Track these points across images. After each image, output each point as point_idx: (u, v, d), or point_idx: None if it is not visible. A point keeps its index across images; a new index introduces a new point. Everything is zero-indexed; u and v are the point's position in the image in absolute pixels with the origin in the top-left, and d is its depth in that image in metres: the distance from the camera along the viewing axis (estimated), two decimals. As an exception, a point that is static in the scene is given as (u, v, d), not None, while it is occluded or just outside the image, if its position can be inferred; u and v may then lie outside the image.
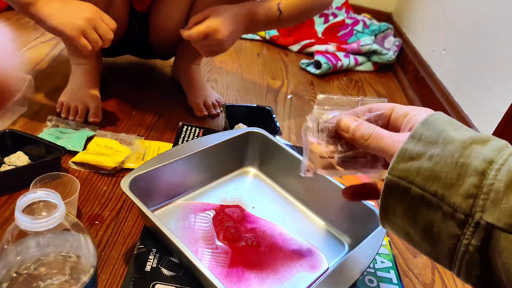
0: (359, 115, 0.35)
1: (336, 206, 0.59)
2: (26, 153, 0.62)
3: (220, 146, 0.63)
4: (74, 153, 0.67)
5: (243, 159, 0.69)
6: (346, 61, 1.28)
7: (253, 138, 0.67)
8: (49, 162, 0.60)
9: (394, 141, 0.31)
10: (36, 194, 0.32)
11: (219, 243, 0.54)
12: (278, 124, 0.80)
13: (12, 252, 0.31)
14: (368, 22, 1.50)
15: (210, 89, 0.92)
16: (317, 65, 1.23)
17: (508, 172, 0.25)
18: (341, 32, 1.47)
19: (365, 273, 0.57)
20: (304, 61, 1.26)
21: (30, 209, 0.32)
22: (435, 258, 0.29)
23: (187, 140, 0.77)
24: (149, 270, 0.50)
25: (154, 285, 0.48)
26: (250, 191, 0.65)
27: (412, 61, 1.31)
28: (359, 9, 1.68)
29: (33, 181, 0.51)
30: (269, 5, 0.72)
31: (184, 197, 0.61)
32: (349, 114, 0.36)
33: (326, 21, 1.51)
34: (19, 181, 0.58)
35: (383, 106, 0.35)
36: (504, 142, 0.28)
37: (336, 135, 0.36)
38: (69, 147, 0.67)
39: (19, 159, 0.61)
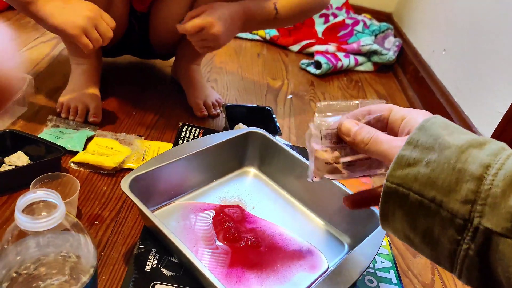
0: (360, 118, 0.36)
1: (336, 206, 0.59)
2: (26, 153, 0.62)
3: (220, 146, 0.63)
4: (74, 153, 0.67)
5: (243, 159, 0.69)
6: (346, 61, 1.28)
7: (253, 138, 0.67)
8: (49, 162, 0.60)
9: (393, 146, 0.31)
10: (36, 194, 0.32)
11: (219, 243, 0.54)
12: (278, 124, 0.80)
13: (12, 252, 0.31)
14: (368, 22, 1.50)
15: (210, 89, 0.92)
16: (317, 65, 1.23)
17: (505, 177, 0.25)
18: (341, 32, 1.47)
19: (365, 273, 0.57)
20: (304, 61, 1.26)
21: (30, 209, 0.32)
22: (436, 261, 0.29)
23: (187, 140, 0.77)
24: (149, 270, 0.50)
25: (154, 285, 0.49)
26: (250, 191, 0.65)
27: (412, 61, 1.31)
28: (359, 9, 1.68)
29: (33, 181, 0.51)
30: (266, 4, 0.72)
31: (184, 197, 0.61)
32: (350, 117, 0.36)
33: (326, 21, 1.51)
34: (19, 181, 0.58)
35: (382, 108, 0.35)
36: (501, 145, 0.27)
37: (339, 140, 0.36)
38: (69, 147, 0.67)
39: (19, 159, 0.61)
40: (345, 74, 1.28)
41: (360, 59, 1.33)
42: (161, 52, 0.93)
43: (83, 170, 0.65)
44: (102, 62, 0.86)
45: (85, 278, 0.34)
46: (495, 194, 0.25)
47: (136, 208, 0.57)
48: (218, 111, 0.88)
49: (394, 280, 0.57)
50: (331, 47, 1.33)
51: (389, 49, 1.38)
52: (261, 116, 0.83)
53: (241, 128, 0.71)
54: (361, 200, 0.40)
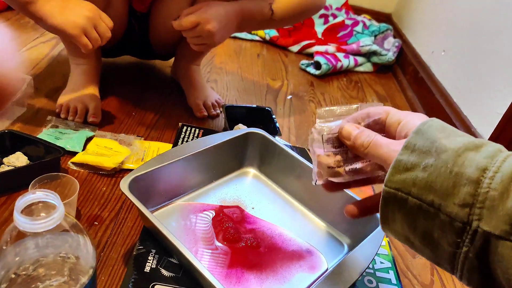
0: (360, 121, 0.36)
1: (336, 207, 0.59)
2: (25, 154, 0.62)
3: (220, 146, 0.63)
4: (74, 153, 0.67)
5: (242, 160, 0.69)
6: (346, 61, 1.28)
7: (252, 138, 0.67)
8: (48, 163, 0.60)
9: (391, 150, 0.31)
10: (35, 195, 0.31)
11: (218, 243, 0.54)
12: (277, 124, 0.80)
13: (11, 253, 0.31)
14: (367, 23, 1.50)
15: (210, 90, 0.92)
16: (317, 65, 1.23)
17: (502, 179, 0.25)
18: (341, 33, 1.47)
19: (364, 273, 0.57)
20: (304, 61, 1.26)
21: (29, 210, 0.32)
22: (437, 263, 0.29)
23: (187, 141, 0.77)
24: (148, 271, 0.50)
25: (153, 286, 0.48)
26: (250, 191, 0.65)
27: (412, 62, 1.31)
28: (359, 10, 1.68)
29: (32, 182, 0.51)
30: (261, 5, 0.73)
31: (183, 197, 0.61)
32: (351, 120, 0.36)
33: (326, 22, 1.51)
34: (18, 181, 0.58)
35: (380, 110, 0.36)
36: (497, 147, 0.28)
37: (341, 144, 0.37)
38: (69, 147, 0.67)
39: (18, 159, 0.61)
40: (344, 75, 1.28)
41: (360, 59, 1.33)
42: (161, 52, 0.93)
43: (82, 170, 0.65)
44: (101, 62, 0.86)
45: (84, 279, 0.34)
46: (493, 197, 0.25)
47: (136, 208, 0.57)
48: (218, 111, 0.88)
49: (394, 281, 0.57)
50: (331, 48, 1.33)
51: (389, 49, 1.38)
52: (261, 117, 0.83)
53: (241, 129, 0.71)
54: (364, 209, 0.39)
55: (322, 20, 1.51)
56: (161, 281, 0.49)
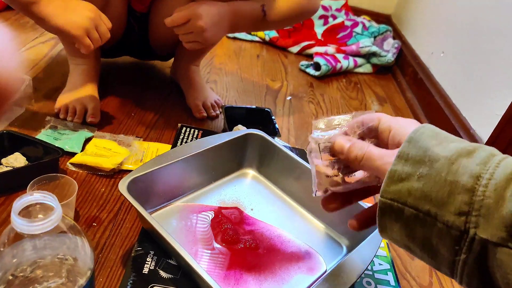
0: (355, 129, 0.36)
1: (335, 208, 0.59)
2: (23, 154, 0.62)
3: (219, 147, 0.63)
4: (72, 154, 0.67)
5: (242, 161, 0.68)
6: (345, 63, 1.28)
7: (252, 139, 0.67)
8: (46, 164, 0.60)
9: (385, 162, 0.31)
10: (32, 196, 0.31)
11: (217, 245, 0.54)
12: (277, 125, 0.80)
13: (8, 254, 0.31)
14: (367, 24, 1.50)
15: (209, 90, 0.92)
16: (317, 66, 1.23)
17: (496, 187, 0.25)
18: (341, 34, 1.47)
19: (363, 275, 0.56)
20: (304, 62, 1.26)
21: (26, 212, 0.32)
22: (437, 268, 0.29)
23: (186, 142, 0.77)
24: (146, 272, 0.50)
25: (152, 287, 0.48)
26: (249, 193, 0.65)
27: (411, 63, 1.31)
28: (358, 11, 1.68)
29: (31, 183, 0.51)
30: (254, 6, 0.73)
31: (182, 199, 0.61)
32: (347, 127, 0.37)
33: (325, 23, 1.51)
34: (16, 182, 0.58)
35: (372, 117, 0.36)
36: (490, 151, 0.28)
37: None
38: (67, 148, 0.67)
39: (16, 160, 0.61)
40: (344, 76, 1.28)
41: (359, 60, 1.33)
42: (160, 52, 0.93)
43: (81, 171, 0.65)
44: (100, 63, 0.86)
45: (82, 281, 0.33)
46: (488, 205, 0.25)
47: (134, 210, 0.57)
48: (217, 112, 0.88)
49: (392, 282, 0.57)
50: (331, 49, 1.33)
51: (388, 51, 1.38)
52: (260, 118, 0.83)
53: (240, 130, 0.70)
54: (365, 221, 0.39)
55: (322, 21, 1.51)
56: (159, 283, 0.49)
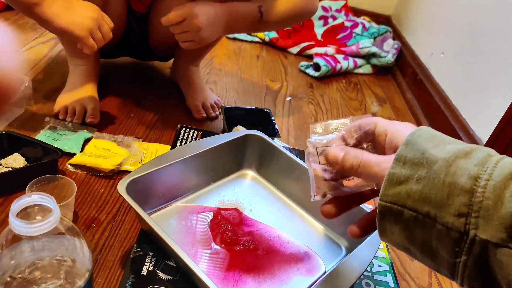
0: (353, 134, 0.36)
1: (334, 210, 0.59)
2: (22, 155, 0.62)
3: (218, 148, 0.63)
4: (72, 155, 0.67)
5: (241, 162, 0.68)
6: (345, 63, 1.28)
7: (251, 140, 0.67)
8: (45, 164, 0.60)
9: (383, 168, 0.31)
10: (30, 198, 0.31)
11: (216, 246, 0.54)
12: (276, 126, 0.80)
13: (6, 256, 0.31)
14: (367, 24, 1.50)
15: (209, 91, 0.92)
16: (316, 67, 1.23)
17: (495, 188, 0.25)
18: (341, 35, 1.47)
19: (362, 276, 0.56)
20: (303, 63, 1.26)
21: (25, 213, 0.32)
22: (437, 271, 0.29)
23: (185, 143, 0.77)
24: (145, 273, 0.50)
25: (150, 288, 0.48)
26: (248, 194, 0.65)
27: (411, 64, 1.31)
28: (358, 12, 1.68)
29: (30, 183, 0.51)
30: (251, 7, 0.73)
31: (181, 200, 0.61)
32: (345, 131, 0.37)
33: (325, 23, 1.51)
34: (15, 183, 0.58)
35: (369, 122, 0.36)
36: (487, 151, 0.28)
37: None
38: (66, 149, 0.67)
39: (15, 161, 0.60)
40: (344, 77, 1.28)
41: (359, 61, 1.33)
42: (160, 53, 0.93)
43: (80, 172, 0.65)
44: (100, 63, 0.86)
45: (80, 282, 0.33)
46: (487, 206, 0.25)
47: (133, 211, 0.57)
48: (217, 113, 0.88)
49: (392, 284, 0.57)
50: (330, 50, 1.33)
51: (388, 51, 1.38)
52: (260, 118, 0.83)
53: (240, 131, 0.70)
54: (366, 227, 0.39)
55: (322, 21, 1.51)
56: (158, 284, 0.49)
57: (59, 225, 0.32)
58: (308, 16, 0.79)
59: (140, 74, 1.00)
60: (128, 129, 0.79)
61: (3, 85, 0.28)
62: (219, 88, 1.03)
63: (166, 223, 0.56)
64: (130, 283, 0.48)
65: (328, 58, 1.25)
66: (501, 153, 0.28)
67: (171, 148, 0.74)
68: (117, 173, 0.66)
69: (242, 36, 1.35)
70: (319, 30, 1.49)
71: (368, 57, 1.36)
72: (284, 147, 0.68)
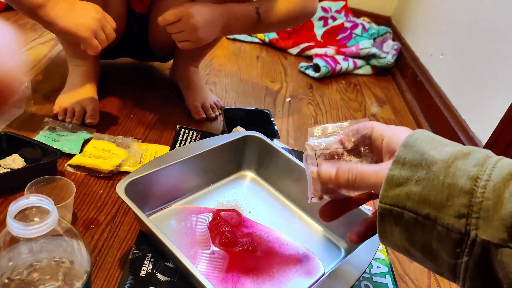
0: (351, 137, 0.36)
1: (333, 211, 0.59)
2: (21, 156, 0.62)
3: (218, 149, 0.62)
4: (71, 155, 0.67)
5: (240, 163, 0.68)
6: (345, 64, 1.28)
7: (251, 141, 0.67)
8: (44, 165, 0.60)
9: (381, 177, 0.31)
10: (28, 200, 0.31)
11: (215, 248, 0.54)
12: (276, 127, 0.80)
13: (4, 258, 0.31)
14: (367, 25, 1.50)
15: (209, 92, 0.92)
16: (316, 68, 1.23)
17: (494, 188, 0.25)
18: (340, 36, 1.47)
19: (361, 278, 0.56)
20: (303, 64, 1.26)
21: (23, 215, 0.32)
22: (438, 273, 0.29)
23: (185, 144, 0.77)
24: (144, 275, 0.50)
25: (149, 290, 0.48)
26: (247, 195, 0.65)
27: (411, 65, 1.31)
28: (358, 13, 1.68)
29: (28, 184, 0.51)
30: (249, 8, 0.73)
31: (180, 201, 0.61)
32: (343, 135, 0.37)
33: (325, 24, 1.51)
34: (14, 184, 0.58)
35: (366, 126, 0.36)
36: (485, 152, 0.28)
37: (332, 159, 0.37)
38: (66, 149, 0.67)
39: (14, 161, 0.60)
40: (343, 77, 1.28)
41: (359, 62, 1.34)
42: (160, 54, 0.93)
43: (79, 173, 0.65)
44: (100, 64, 0.86)
45: (78, 284, 0.33)
46: (487, 207, 0.25)
47: (132, 212, 0.57)
48: (217, 113, 0.88)
49: (391, 285, 0.57)
50: (330, 50, 1.33)
51: (388, 52, 1.38)
52: (259, 119, 0.83)
53: (239, 131, 0.70)
54: (365, 232, 0.38)
55: (322, 22, 1.51)
56: (157, 285, 0.49)
57: (57, 226, 0.32)
58: (307, 17, 0.79)
59: (140, 75, 1.00)
60: (128, 129, 0.78)
61: (3, 86, 0.28)
62: (219, 88, 1.03)
63: (165, 224, 0.56)
64: (128, 284, 0.48)
65: (328, 59, 1.25)
66: (500, 154, 0.28)
67: (171, 149, 0.74)
68: (116, 174, 0.66)
69: (242, 37, 1.36)
70: (319, 31, 1.49)
71: (368, 58, 1.36)
72: (284, 148, 0.68)
